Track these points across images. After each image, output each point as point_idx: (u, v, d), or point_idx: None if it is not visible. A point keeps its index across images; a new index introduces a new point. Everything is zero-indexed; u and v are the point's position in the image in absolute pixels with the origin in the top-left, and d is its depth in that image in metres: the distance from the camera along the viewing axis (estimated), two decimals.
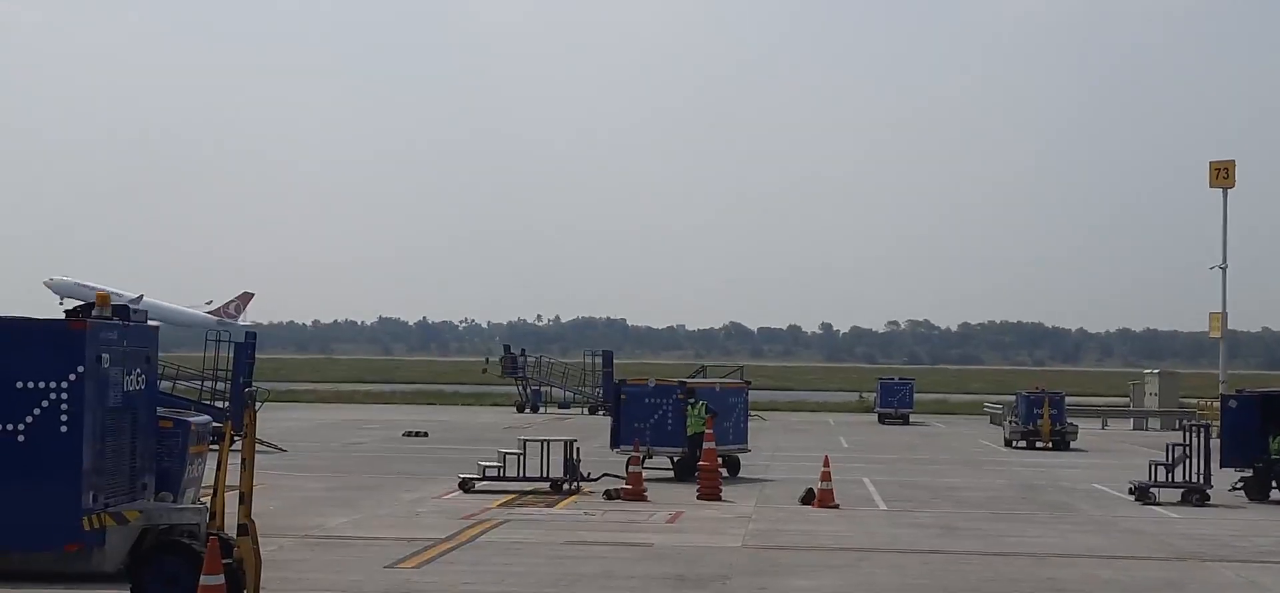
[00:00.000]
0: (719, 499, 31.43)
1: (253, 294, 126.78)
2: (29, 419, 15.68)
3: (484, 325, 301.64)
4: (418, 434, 54.44)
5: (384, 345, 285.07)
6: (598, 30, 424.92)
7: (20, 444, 15.67)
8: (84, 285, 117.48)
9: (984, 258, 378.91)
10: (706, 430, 33.22)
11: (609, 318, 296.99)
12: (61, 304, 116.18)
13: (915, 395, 75.10)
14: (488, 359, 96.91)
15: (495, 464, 33.27)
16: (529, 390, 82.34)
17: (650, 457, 35.99)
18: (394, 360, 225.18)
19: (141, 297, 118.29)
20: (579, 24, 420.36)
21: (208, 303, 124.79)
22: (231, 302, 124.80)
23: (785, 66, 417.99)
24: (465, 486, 32.47)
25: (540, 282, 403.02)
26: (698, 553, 23.28)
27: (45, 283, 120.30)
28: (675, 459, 36.49)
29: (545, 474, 32.89)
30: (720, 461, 33.46)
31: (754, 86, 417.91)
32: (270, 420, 48.43)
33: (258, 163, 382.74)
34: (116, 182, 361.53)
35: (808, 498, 31.14)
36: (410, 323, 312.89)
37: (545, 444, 33.82)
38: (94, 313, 16.33)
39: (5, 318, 16.11)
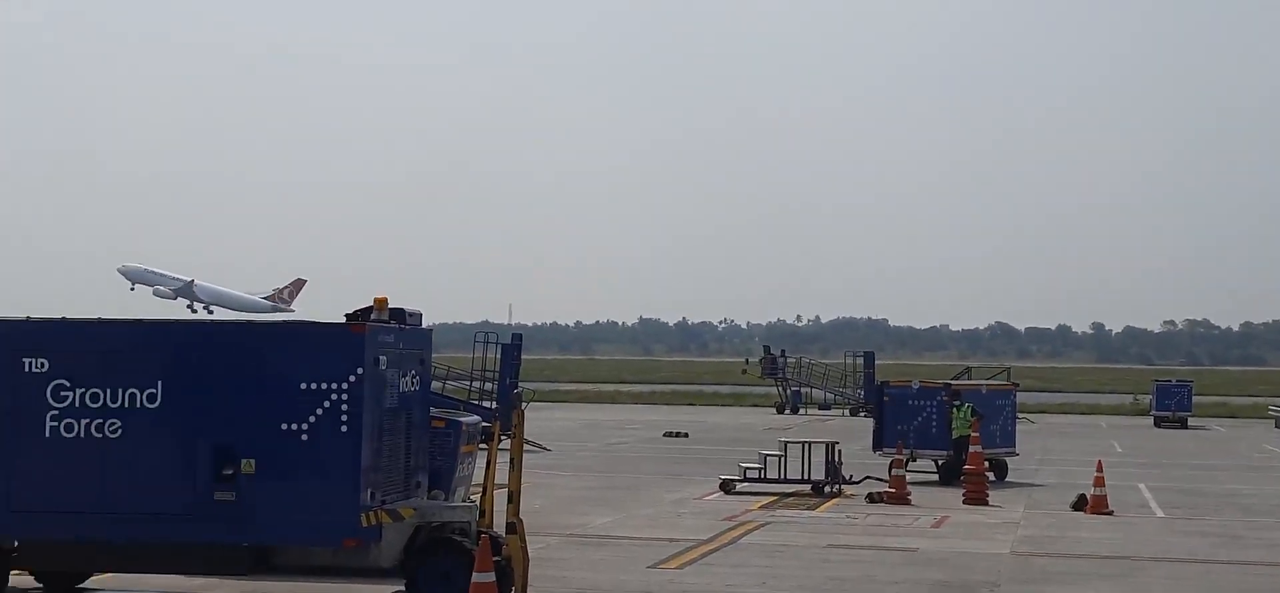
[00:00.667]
0: (986, 504, 30.79)
1: (305, 280, 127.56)
2: (311, 419, 16.27)
3: (743, 326, 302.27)
4: (678, 435, 54.79)
5: (644, 346, 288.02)
6: (851, 21, 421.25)
7: (303, 443, 16.27)
8: (152, 271, 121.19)
9: (1269, 255, 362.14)
10: (972, 433, 32.58)
11: (870, 318, 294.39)
12: (133, 289, 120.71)
13: (1194, 398, 72.32)
14: (748, 360, 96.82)
15: (756, 466, 33.25)
16: (789, 391, 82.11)
17: (914, 460, 35.47)
18: (654, 360, 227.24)
19: (192, 281, 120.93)
20: (831, 14, 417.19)
21: (270, 293, 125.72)
22: (285, 287, 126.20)
23: (1057, 55, 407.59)
24: (726, 487, 32.53)
25: (800, 282, 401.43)
26: (964, 559, 22.83)
27: (118, 269, 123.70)
28: (940, 463, 35.91)
29: (806, 477, 32.71)
30: (987, 464, 32.78)
31: (1015, 74, 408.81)
32: (534, 420, 49.37)
33: (520, 166, 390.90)
34: (412, 201, 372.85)
35: (1079, 504, 30.25)
36: (670, 323, 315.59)
37: (806, 446, 33.65)
38: (372, 317, 16.85)
39: (290, 322, 16.79)
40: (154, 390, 16.52)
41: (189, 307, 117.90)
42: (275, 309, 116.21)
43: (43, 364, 16.60)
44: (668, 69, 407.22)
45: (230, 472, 16.32)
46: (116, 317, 17.64)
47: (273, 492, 16.33)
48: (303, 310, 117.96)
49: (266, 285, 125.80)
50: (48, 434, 16.52)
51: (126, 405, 16.52)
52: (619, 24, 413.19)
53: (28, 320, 17.37)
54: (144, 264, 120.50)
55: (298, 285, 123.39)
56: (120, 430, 16.50)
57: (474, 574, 15.68)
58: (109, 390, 16.52)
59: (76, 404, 16.53)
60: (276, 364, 16.49)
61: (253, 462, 16.32)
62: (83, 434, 16.53)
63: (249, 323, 16.97)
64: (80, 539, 16.82)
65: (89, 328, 17.09)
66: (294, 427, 16.30)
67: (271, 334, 16.75)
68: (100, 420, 16.52)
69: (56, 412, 16.53)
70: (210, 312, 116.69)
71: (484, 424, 20.02)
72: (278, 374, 16.43)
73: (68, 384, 16.55)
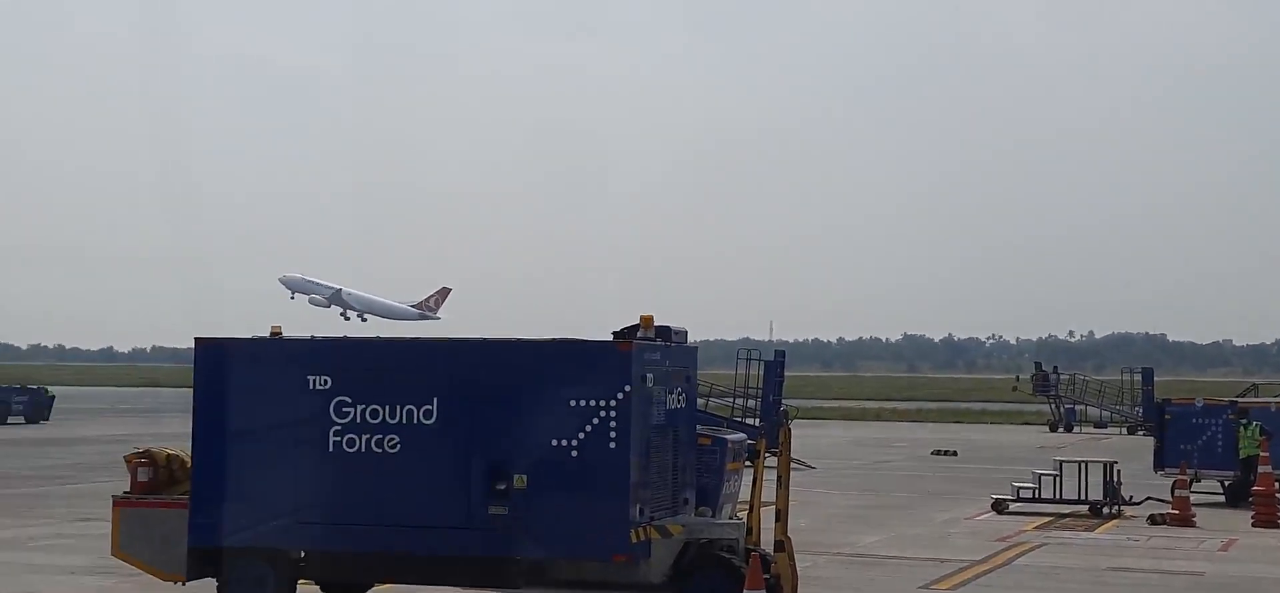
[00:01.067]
0: (1276, 526, 29.36)
1: (450, 289, 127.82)
2: (581, 435, 16.45)
3: (1012, 342, 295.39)
4: (947, 453, 53.83)
5: (909, 362, 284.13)
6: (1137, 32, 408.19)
7: (573, 458, 16.47)
8: (308, 280, 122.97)
9: None
10: (1261, 453, 31.16)
11: (1147, 333, 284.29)
12: (293, 298, 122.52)
13: None
14: (1018, 377, 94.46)
15: (1030, 485, 32.43)
16: (1062, 409, 79.88)
17: (1198, 480, 34.10)
18: (919, 377, 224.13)
19: (340, 290, 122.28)
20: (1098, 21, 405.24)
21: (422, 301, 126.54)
22: (432, 296, 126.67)
23: None
24: (999, 507, 31.78)
25: (1071, 296, 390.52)
26: (1253, 585, 21.80)
27: (279, 279, 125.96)
28: (1226, 484, 34.47)
29: (1083, 496, 31.75)
30: (1277, 485, 31.26)
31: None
32: (798, 438, 49.10)
33: (778, 181, 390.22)
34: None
35: None
36: (935, 339, 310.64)
37: (1083, 465, 32.68)
38: (639, 335, 16.96)
39: (559, 340, 16.99)
40: (430, 407, 16.92)
41: (342, 315, 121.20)
42: (422, 317, 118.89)
43: (326, 382, 17.16)
44: (933, 90, 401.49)
45: (503, 487, 16.61)
46: (394, 336, 18.17)
47: (544, 507, 16.56)
48: (449, 318, 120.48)
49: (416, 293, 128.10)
50: (331, 449, 17.06)
51: (404, 422, 16.96)
52: (886, 39, 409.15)
53: (312, 339, 18.02)
54: (300, 273, 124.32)
55: (443, 294, 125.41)
56: (398, 446, 16.95)
57: (744, 592, 15.60)
58: (388, 407, 16.99)
59: (357, 420, 17.04)
60: (546, 381, 16.73)
61: (524, 477, 16.59)
62: (363, 449, 17.03)
63: (520, 341, 17.25)
64: (361, 550, 17.33)
65: (369, 346, 17.63)
66: (564, 443, 16.50)
67: (541, 352, 17.01)
68: (380, 436, 17.00)
69: (339, 427, 17.07)
70: (363, 319, 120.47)
71: (749, 442, 19.96)
72: (548, 391, 16.67)
73: (349, 401, 17.08)
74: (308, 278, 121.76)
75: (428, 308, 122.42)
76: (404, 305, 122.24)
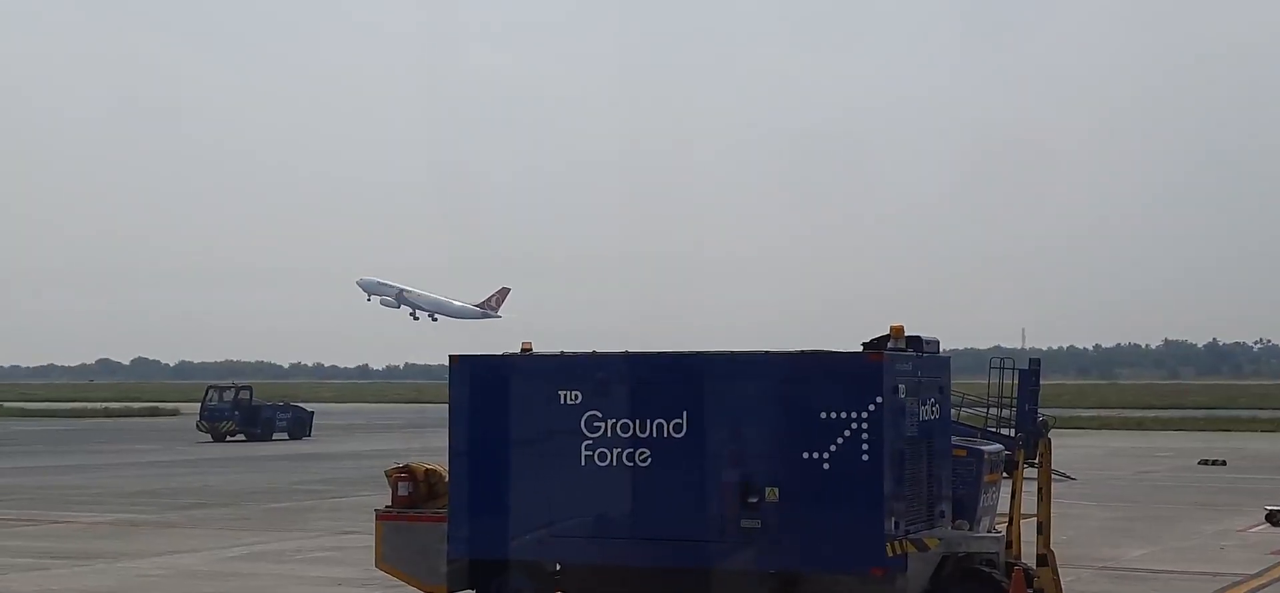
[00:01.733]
0: None
1: (509, 289, 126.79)
2: (832, 448, 16.21)
3: None
4: (1215, 463, 51.68)
5: (1170, 369, 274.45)
6: None
7: (825, 472, 16.23)
8: (381, 282, 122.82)
9: None
10: None
11: None
12: (368, 301, 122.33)
13: None
14: None
15: None
16: None
17: None
18: (1181, 384, 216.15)
19: (402, 290, 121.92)
20: None
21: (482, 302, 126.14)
22: (492, 296, 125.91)
23: None
24: (1273, 518, 30.34)
25: None
26: None
27: (357, 283, 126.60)
28: None
29: None
30: None
31: None
32: (1056, 448, 47.78)
33: (1038, 185, 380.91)
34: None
35: None
36: (1198, 344, 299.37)
37: None
38: (889, 345, 16.64)
39: (809, 352, 16.77)
40: (680, 421, 16.90)
41: (412, 315, 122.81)
42: (485, 316, 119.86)
43: (577, 396, 17.29)
44: (1182, 88, 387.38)
45: (754, 500, 16.47)
46: (642, 350, 18.18)
47: (797, 520, 16.36)
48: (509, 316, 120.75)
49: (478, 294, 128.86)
50: (583, 463, 17.18)
51: (654, 435, 16.97)
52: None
53: (562, 355, 18.18)
54: (376, 277, 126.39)
55: (503, 293, 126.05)
56: (649, 459, 16.97)
57: None
58: (637, 421, 17.02)
59: (608, 434, 17.11)
60: (796, 393, 16.55)
61: (776, 490, 16.42)
62: (614, 463, 17.09)
63: (768, 353, 17.10)
64: (613, 563, 17.40)
65: (618, 361, 17.68)
66: (815, 455, 16.28)
67: (791, 364, 16.82)
68: (630, 450, 17.03)
69: (590, 442, 17.17)
70: (434, 319, 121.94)
71: (1006, 453, 19.42)
72: (798, 403, 16.50)
73: (599, 415, 17.17)
74: (381, 280, 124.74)
75: (490, 307, 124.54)
76: (468, 305, 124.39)
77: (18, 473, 46.63)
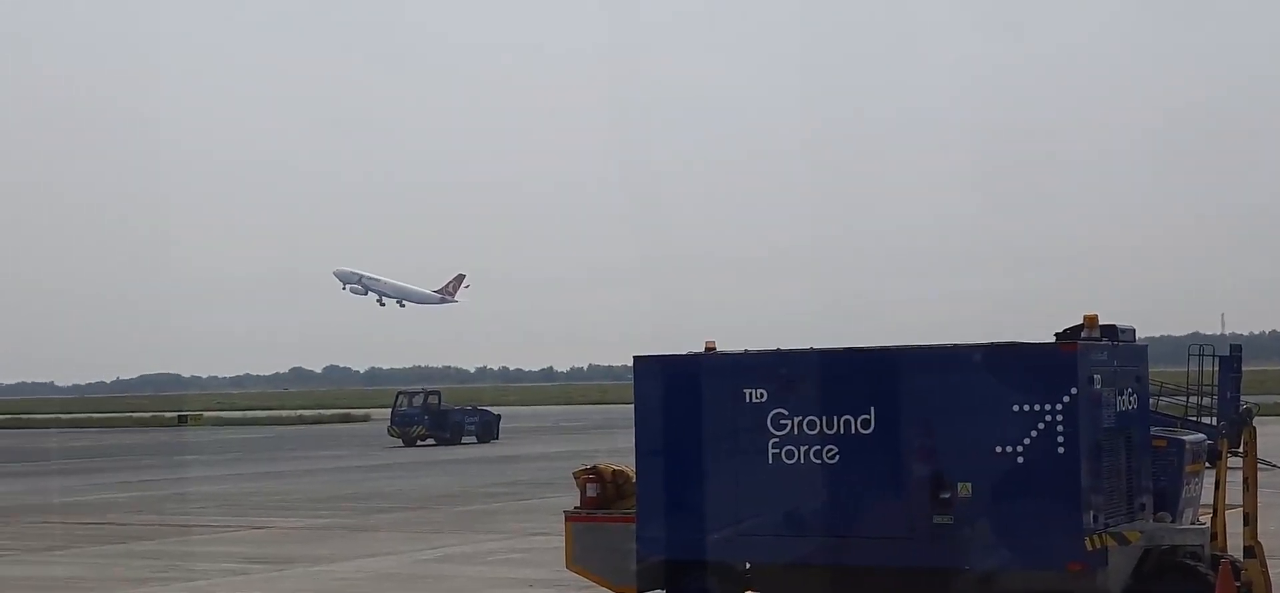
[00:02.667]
0: None
1: (464, 275, 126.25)
2: (1026, 441, 15.84)
3: None
4: None
5: None
6: None
7: (1019, 466, 15.86)
8: (353, 273, 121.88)
9: None
10: None
11: None
12: (345, 289, 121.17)
13: None
14: None
15: None
16: None
17: None
18: None
19: (364, 277, 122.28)
20: None
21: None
22: (449, 282, 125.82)
23: None
24: None
25: None
26: None
27: (334, 273, 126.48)
28: None
29: None
30: None
31: None
32: (1261, 435, 46.09)
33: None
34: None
35: None
36: None
37: None
38: (1083, 335, 16.20)
39: (999, 344, 16.41)
40: (867, 416, 16.67)
41: (378, 301, 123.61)
42: (443, 301, 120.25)
43: (762, 394, 17.17)
44: None
45: (947, 495, 16.17)
46: (827, 347, 17.99)
47: (991, 516, 16.02)
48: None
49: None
50: (770, 461, 17.05)
51: (842, 432, 16.77)
52: None
53: (746, 354, 18.07)
54: (347, 266, 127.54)
55: (458, 280, 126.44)
56: (837, 457, 16.77)
57: None
58: (825, 418, 16.83)
59: (795, 432, 16.95)
60: (987, 386, 16.20)
61: (969, 485, 16.10)
62: (802, 461, 16.93)
63: (959, 347, 16.78)
64: (802, 562, 17.24)
65: (802, 358, 17.50)
66: (1008, 449, 15.92)
67: (981, 356, 16.47)
68: (817, 447, 16.85)
69: (777, 440, 17.03)
70: (402, 305, 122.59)
71: (1208, 442, 18.78)
72: (989, 396, 16.14)
73: (786, 413, 17.02)
74: (351, 269, 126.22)
75: (447, 293, 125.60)
76: (429, 291, 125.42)
77: (218, 480, 48.11)
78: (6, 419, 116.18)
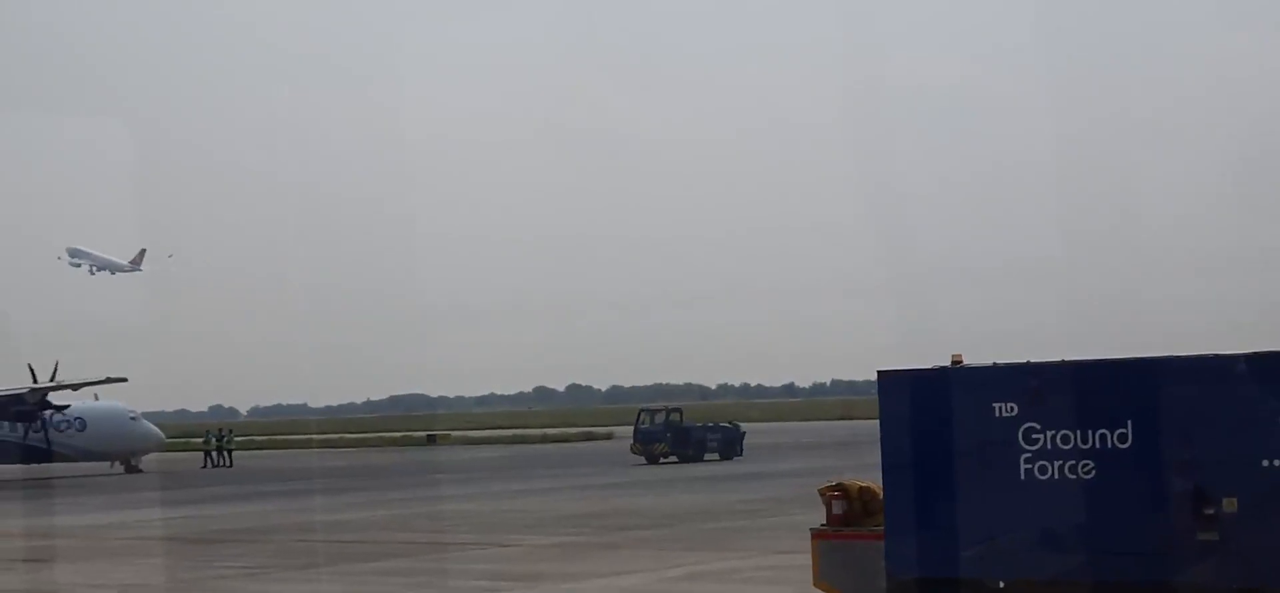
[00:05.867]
0: None
1: (145, 249, 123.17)
2: None
3: None
4: None
5: None
6: None
7: None
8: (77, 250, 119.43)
9: None
10: None
11: None
12: (78, 267, 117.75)
13: None
14: None
15: None
16: None
17: None
18: None
19: (74, 249, 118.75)
20: None
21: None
22: (136, 254, 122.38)
23: None
24: None
25: None
26: None
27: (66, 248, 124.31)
28: None
29: None
30: None
31: None
32: None
33: None
34: None
35: None
36: None
37: None
38: None
39: (1265, 353, 15.70)
40: (1124, 430, 16.13)
41: (90, 272, 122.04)
42: (132, 271, 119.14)
43: (1012, 408, 16.75)
44: None
45: (1211, 511, 15.52)
46: (1080, 359, 17.46)
47: (1260, 532, 15.32)
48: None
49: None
50: (1022, 476, 16.62)
51: (1097, 446, 16.26)
52: None
53: (995, 366, 17.64)
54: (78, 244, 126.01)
55: (142, 253, 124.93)
56: (1093, 471, 16.26)
57: None
58: (1079, 432, 16.34)
59: (1048, 446, 16.49)
60: (1252, 397, 15.52)
61: (1234, 500, 15.43)
62: (1055, 476, 16.46)
63: (1221, 356, 16.10)
64: (1058, 579, 16.74)
65: (1054, 370, 17.04)
66: (1277, 463, 15.21)
67: (1246, 366, 15.78)
68: (1072, 462, 16.36)
69: (1029, 454, 16.60)
70: (113, 273, 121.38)
71: None
72: (1254, 407, 15.47)
73: (1038, 427, 16.57)
74: (78, 248, 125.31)
75: (135, 263, 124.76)
76: (122, 261, 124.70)
77: (466, 499, 49.16)
78: (264, 440, 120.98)
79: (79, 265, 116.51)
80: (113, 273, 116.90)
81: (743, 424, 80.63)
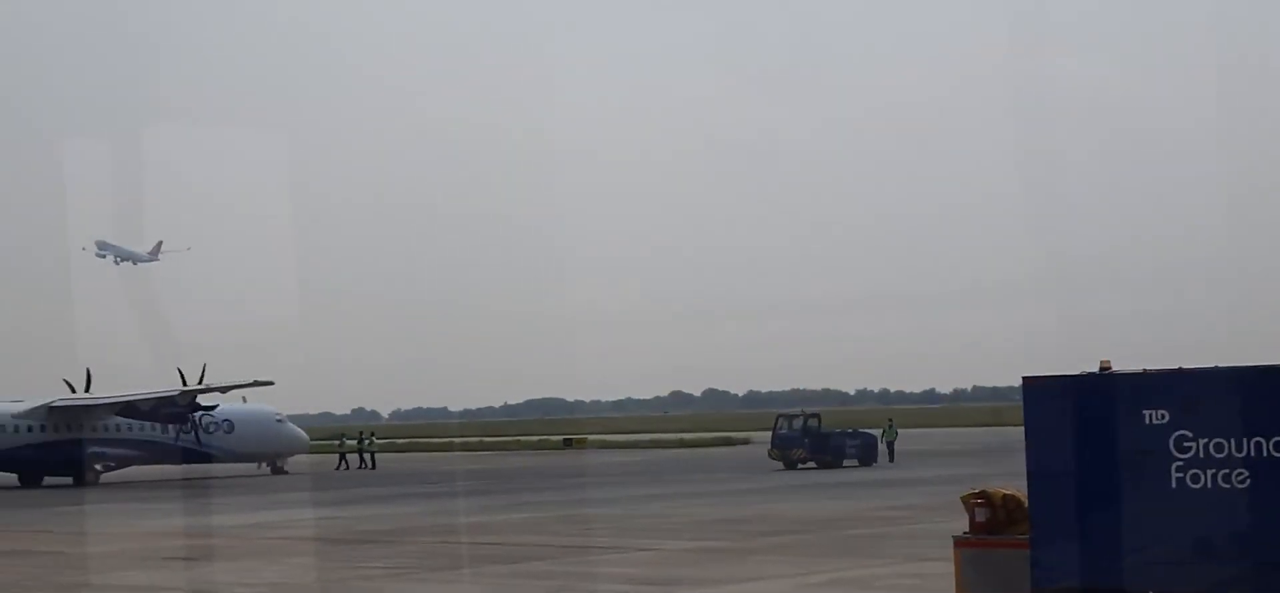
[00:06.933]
0: None
1: (163, 240, 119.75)
2: None
3: None
4: None
5: None
6: None
7: None
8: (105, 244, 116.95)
9: None
10: None
11: None
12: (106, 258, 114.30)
13: None
14: None
15: None
16: None
17: None
18: None
19: (103, 241, 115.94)
20: None
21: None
22: (155, 245, 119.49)
23: None
24: None
25: None
26: None
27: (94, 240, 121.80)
28: None
29: None
30: None
31: None
32: None
33: None
34: None
35: None
36: None
37: None
38: None
39: None
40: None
41: (115, 262, 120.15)
42: (151, 261, 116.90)
43: (1163, 416, 16.43)
44: None
45: None
46: (1235, 365, 17.02)
47: None
48: None
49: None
50: (1173, 485, 16.27)
51: (1252, 454, 15.87)
52: None
53: (1145, 373, 17.29)
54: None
55: (159, 245, 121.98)
56: (1247, 480, 15.86)
57: None
58: (1233, 440, 15.97)
59: (1200, 455, 16.15)
60: None
61: None
62: (1208, 485, 16.11)
63: None
64: (1211, 591, 16.37)
65: (1206, 377, 16.68)
66: None
67: None
68: (1226, 471, 16.00)
69: (1181, 463, 16.25)
70: (136, 264, 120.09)
71: None
72: None
73: (1190, 435, 16.23)
74: (107, 241, 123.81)
75: (154, 254, 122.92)
76: (142, 252, 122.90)
77: (604, 502, 49.33)
78: (406, 443, 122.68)
79: (104, 256, 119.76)
80: (134, 263, 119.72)
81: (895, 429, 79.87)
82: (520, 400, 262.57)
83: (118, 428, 74.04)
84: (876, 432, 76.84)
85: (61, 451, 72.35)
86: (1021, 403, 17.66)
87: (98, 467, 72.69)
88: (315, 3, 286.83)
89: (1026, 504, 17.70)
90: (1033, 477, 17.36)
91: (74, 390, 74.41)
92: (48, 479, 71.85)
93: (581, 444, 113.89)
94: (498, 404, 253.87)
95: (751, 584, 26.43)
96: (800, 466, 69.61)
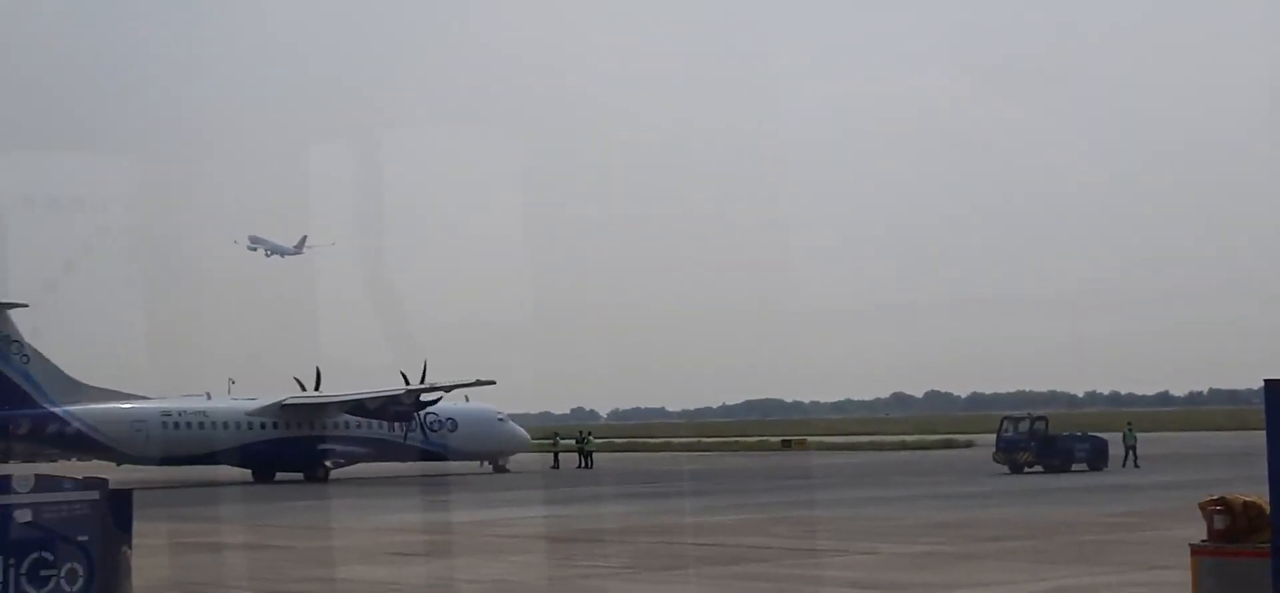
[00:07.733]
0: None
1: (306, 235, 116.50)
2: None
3: None
4: None
5: None
6: None
7: None
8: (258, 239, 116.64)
9: None
10: None
11: None
12: (255, 251, 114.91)
13: None
14: None
15: None
16: None
17: None
18: None
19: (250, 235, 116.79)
20: None
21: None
22: (300, 240, 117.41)
23: None
24: None
25: None
26: None
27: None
28: None
29: None
30: None
31: None
32: None
33: None
34: None
35: None
36: None
37: None
38: None
39: None
40: None
41: (266, 255, 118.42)
42: (298, 253, 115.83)
43: None
44: None
45: None
46: None
47: None
48: None
49: None
50: None
51: None
52: None
53: None
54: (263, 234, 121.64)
55: (303, 239, 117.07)
56: None
57: None
58: None
59: None
60: None
61: None
62: None
63: None
64: None
65: None
66: None
67: None
68: None
69: None
70: (283, 256, 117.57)
71: None
72: None
73: None
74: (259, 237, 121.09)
75: (299, 248, 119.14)
76: (287, 244, 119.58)
77: (823, 505, 48.90)
78: (623, 443, 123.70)
79: (255, 249, 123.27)
80: (283, 256, 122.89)
81: (1110, 434, 77.57)
82: (739, 401, 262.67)
83: (347, 426, 76.22)
84: (1106, 435, 74.70)
85: (294, 447, 74.79)
86: (1263, 406, 16.84)
87: (328, 463, 74.95)
88: (535, 8, 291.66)
89: (1268, 511, 16.88)
90: (1276, 483, 16.51)
91: (304, 388, 76.80)
92: (279, 475, 74.31)
93: (800, 445, 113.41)
94: (716, 405, 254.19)
95: (976, 590, 25.83)
96: (1026, 469, 68.07)
